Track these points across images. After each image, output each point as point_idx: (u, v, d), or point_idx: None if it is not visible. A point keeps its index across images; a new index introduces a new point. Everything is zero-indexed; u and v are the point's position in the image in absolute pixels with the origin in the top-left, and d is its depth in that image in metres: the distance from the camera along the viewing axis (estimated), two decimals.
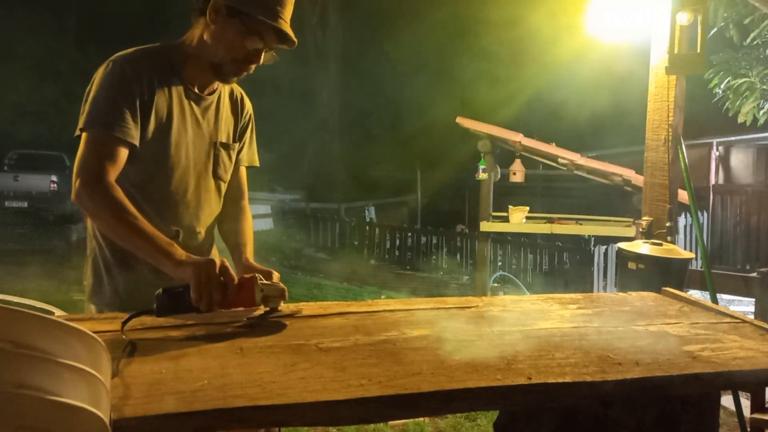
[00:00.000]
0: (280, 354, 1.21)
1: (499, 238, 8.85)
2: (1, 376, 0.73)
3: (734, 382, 1.32)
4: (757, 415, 2.48)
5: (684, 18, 3.22)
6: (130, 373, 1.07)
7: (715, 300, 3.16)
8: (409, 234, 10.82)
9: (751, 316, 1.93)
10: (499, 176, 6.80)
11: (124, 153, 1.58)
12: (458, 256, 9.92)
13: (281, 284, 1.47)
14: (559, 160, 6.53)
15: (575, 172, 6.76)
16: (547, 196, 12.50)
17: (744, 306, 5.95)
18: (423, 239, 10.42)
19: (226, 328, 1.39)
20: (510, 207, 6.41)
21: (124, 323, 1.35)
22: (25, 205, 12.19)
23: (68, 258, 8.48)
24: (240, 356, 1.19)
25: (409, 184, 16.11)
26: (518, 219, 6.33)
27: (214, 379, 1.06)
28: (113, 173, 1.56)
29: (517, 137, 6.36)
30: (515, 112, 13.59)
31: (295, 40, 1.66)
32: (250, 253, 1.78)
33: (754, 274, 3.88)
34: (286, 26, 1.63)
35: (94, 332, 0.85)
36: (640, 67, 3.79)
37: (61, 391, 0.75)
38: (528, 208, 6.44)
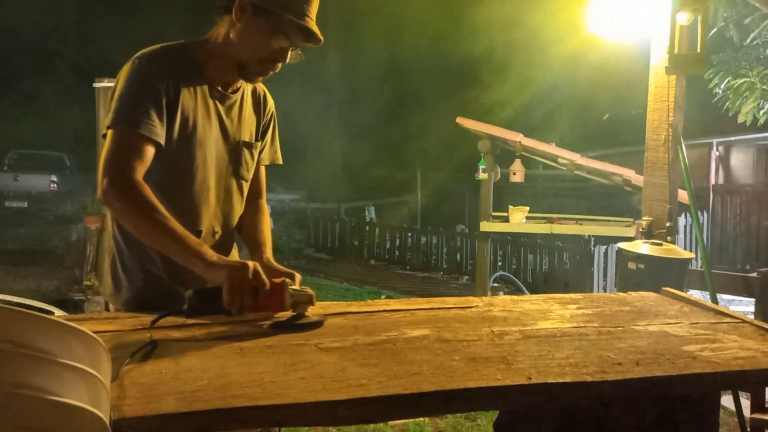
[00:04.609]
0: (280, 354, 1.21)
1: (499, 238, 8.85)
2: (1, 376, 0.73)
3: (734, 382, 1.31)
4: (757, 415, 2.48)
5: (684, 18, 3.22)
6: (130, 373, 1.07)
7: (715, 300, 3.16)
8: (409, 234, 10.81)
9: (751, 316, 1.93)
10: (499, 176, 6.80)
11: (150, 151, 1.56)
12: (458, 256, 9.92)
13: (309, 290, 1.48)
14: (559, 160, 6.53)
15: (575, 172, 6.77)
16: (547, 196, 12.50)
17: (744, 306, 5.95)
18: (423, 239, 10.42)
19: (226, 329, 1.38)
20: (510, 207, 6.42)
21: (153, 322, 1.36)
22: (25, 205, 12.20)
23: (68, 258, 8.48)
24: (240, 356, 1.19)
25: (409, 184, 16.11)
26: (518, 219, 6.34)
27: (214, 379, 1.06)
28: (141, 171, 1.53)
29: (517, 137, 6.37)
30: (515, 112, 13.60)
31: (321, 38, 1.64)
32: (270, 254, 1.77)
33: (754, 274, 3.88)
34: (313, 24, 1.61)
35: (94, 332, 0.85)
36: (640, 67, 3.80)
37: (61, 391, 0.75)
38: (528, 208, 6.45)
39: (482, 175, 6.62)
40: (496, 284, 7.16)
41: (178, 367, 1.11)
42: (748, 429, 2.76)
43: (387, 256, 11.02)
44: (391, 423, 3.49)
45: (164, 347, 1.23)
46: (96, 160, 5.62)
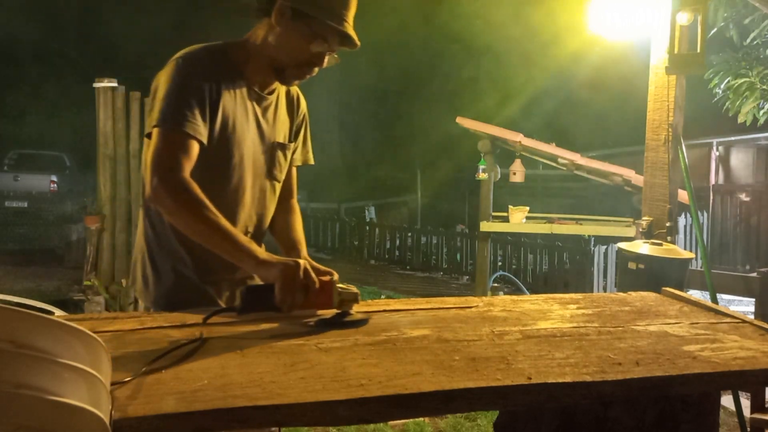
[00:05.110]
0: (280, 354, 1.21)
1: (499, 238, 8.85)
2: (1, 376, 0.73)
3: (734, 382, 1.31)
4: (757, 415, 2.48)
5: (684, 18, 3.22)
6: (130, 373, 1.07)
7: (715, 300, 3.16)
8: (409, 234, 10.82)
9: (751, 316, 1.93)
10: (499, 176, 6.80)
11: (196, 149, 1.58)
12: (458, 256, 9.92)
13: (354, 288, 1.50)
14: (559, 160, 6.53)
15: (575, 172, 6.77)
16: (547, 196, 12.50)
17: (744, 306, 5.95)
18: (423, 239, 10.42)
19: (225, 328, 1.38)
20: (510, 207, 6.42)
21: (206, 319, 1.38)
22: (25, 205, 12.18)
23: (68, 258, 8.48)
24: (240, 356, 1.19)
25: (409, 184, 16.11)
26: (518, 219, 6.34)
27: (214, 379, 1.06)
28: (188, 169, 1.55)
29: (517, 137, 6.37)
30: (515, 112, 13.59)
31: (358, 42, 1.65)
32: (306, 253, 1.79)
33: (754, 274, 3.88)
34: (351, 29, 1.63)
35: (94, 332, 0.85)
36: (640, 67, 3.80)
37: (61, 391, 0.75)
38: (528, 208, 6.45)
39: (482, 175, 6.63)
40: (496, 284, 7.16)
41: (178, 367, 1.11)
42: (748, 429, 2.76)
43: (387, 256, 11.03)
44: (391, 423, 3.49)
45: (164, 347, 1.23)
46: (95, 160, 5.62)
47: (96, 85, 5.56)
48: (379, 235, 11.18)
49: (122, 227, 5.64)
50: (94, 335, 0.84)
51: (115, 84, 5.57)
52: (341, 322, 1.43)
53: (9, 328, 0.75)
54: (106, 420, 0.81)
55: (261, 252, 1.49)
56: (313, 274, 1.44)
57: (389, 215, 14.85)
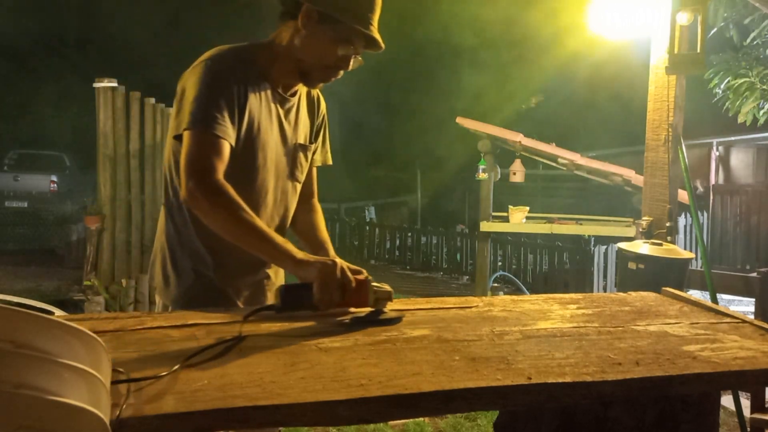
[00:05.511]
0: (280, 354, 1.21)
1: (499, 238, 8.84)
2: (1, 376, 0.73)
3: (734, 382, 1.31)
4: (757, 415, 2.48)
5: (684, 18, 3.22)
6: (131, 373, 1.07)
7: (715, 300, 3.16)
8: (409, 234, 10.81)
9: (751, 316, 1.93)
10: (499, 176, 6.80)
11: (227, 151, 1.59)
12: (458, 256, 9.92)
13: (387, 286, 1.52)
14: (559, 160, 6.54)
15: (575, 172, 6.77)
16: (547, 196, 12.50)
17: (744, 306, 5.95)
18: (423, 239, 10.41)
19: (225, 328, 1.38)
20: (510, 207, 6.42)
21: (246, 317, 1.40)
22: (25, 205, 12.18)
23: (68, 258, 8.48)
24: (240, 356, 1.19)
25: (409, 184, 16.10)
26: (518, 219, 6.34)
27: (214, 379, 1.06)
28: (221, 171, 1.56)
29: (517, 137, 6.37)
30: (515, 111, 13.59)
31: (383, 45, 1.67)
32: (333, 252, 1.81)
33: (754, 274, 3.87)
34: (376, 33, 1.65)
35: (94, 332, 0.85)
36: (640, 67, 3.80)
37: (61, 391, 0.75)
38: (528, 208, 6.45)
39: (482, 175, 6.63)
40: (496, 284, 7.16)
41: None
42: (748, 429, 2.76)
43: (387, 256, 11.02)
44: (391, 423, 3.49)
45: (163, 347, 1.23)
46: (95, 160, 5.62)
47: (96, 85, 5.55)
48: (379, 235, 11.18)
49: (122, 227, 5.64)
50: (94, 335, 0.84)
51: (115, 84, 5.56)
52: (375, 320, 1.45)
53: (9, 328, 0.75)
54: (106, 420, 0.81)
55: (298, 252, 1.51)
56: (349, 274, 1.47)
57: (389, 215, 14.84)
